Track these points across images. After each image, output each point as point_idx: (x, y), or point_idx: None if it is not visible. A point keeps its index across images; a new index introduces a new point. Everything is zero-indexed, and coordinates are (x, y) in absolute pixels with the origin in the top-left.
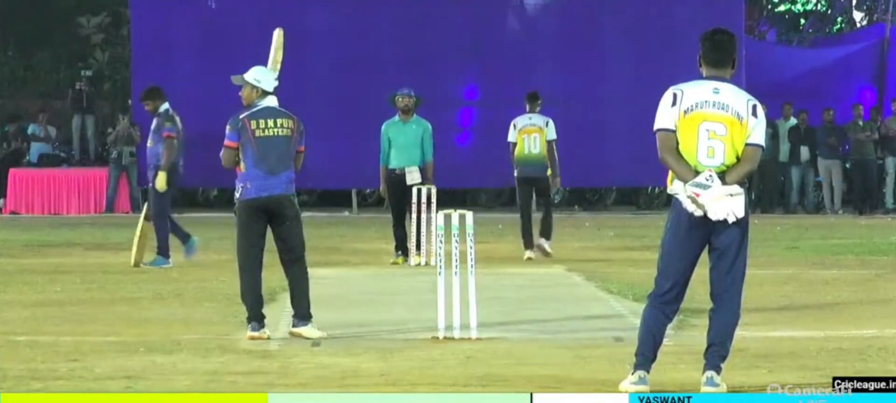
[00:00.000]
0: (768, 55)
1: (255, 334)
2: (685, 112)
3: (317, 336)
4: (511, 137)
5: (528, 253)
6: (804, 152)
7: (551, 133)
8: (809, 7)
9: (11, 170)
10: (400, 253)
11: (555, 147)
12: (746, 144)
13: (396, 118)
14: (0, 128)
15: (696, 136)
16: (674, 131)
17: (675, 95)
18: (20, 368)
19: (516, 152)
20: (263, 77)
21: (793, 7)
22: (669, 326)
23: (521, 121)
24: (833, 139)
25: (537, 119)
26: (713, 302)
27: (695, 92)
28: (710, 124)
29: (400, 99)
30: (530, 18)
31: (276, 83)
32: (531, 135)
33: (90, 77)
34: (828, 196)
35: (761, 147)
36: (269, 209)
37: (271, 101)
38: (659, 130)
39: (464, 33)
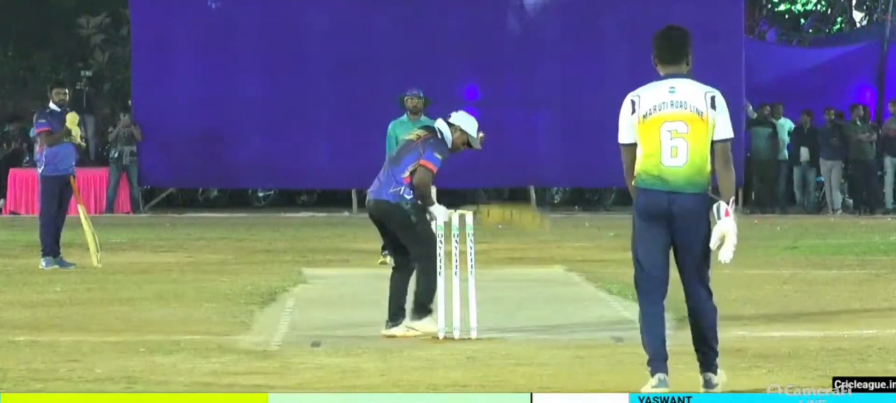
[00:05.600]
0: (768, 55)
1: (386, 332)
2: (644, 116)
3: (400, 334)
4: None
5: None
6: (804, 153)
7: None
8: (809, 7)
9: (11, 171)
10: (386, 252)
11: None
12: (714, 142)
13: (404, 118)
14: (0, 129)
15: (658, 139)
16: (631, 144)
17: (632, 102)
18: (20, 368)
19: None
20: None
21: (793, 7)
22: (668, 325)
23: None
24: (835, 139)
25: None
26: (687, 298)
27: (651, 95)
28: (671, 124)
29: (409, 99)
30: (530, 18)
31: (466, 129)
32: None
33: (90, 77)
34: (830, 196)
35: (729, 139)
36: (370, 212)
37: (438, 122)
38: (621, 145)
39: (464, 33)
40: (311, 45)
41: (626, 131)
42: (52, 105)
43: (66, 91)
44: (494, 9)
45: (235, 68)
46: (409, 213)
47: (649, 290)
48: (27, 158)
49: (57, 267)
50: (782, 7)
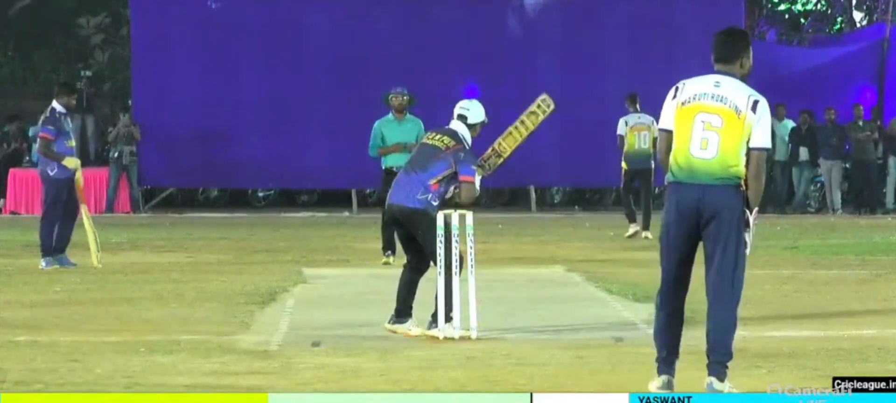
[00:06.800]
0: (768, 55)
1: (389, 326)
2: (683, 103)
3: (401, 331)
4: (620, 131)
5: (633, 228)
6: (802, 152)
7: (657, 130)
8: (809, 7)
9: (11, 170)
10: (388, 252)
11: None
12: (750, 148)
13: (390, 116)
14: (0, 129)
15: (690, 127)
16: (669, 131)
17: (676, 88)
18: (20, 368)
19: (627, 147)
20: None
21: (793, 7)
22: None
23: (631, 119)
24: (835, 139)
25: (645, 117)
26: (707, 302)
27: (696, 85)
28: (706, 115)
29: (393, 97)
30: (530, 18)
31: (477, 118)
32: (641, 132)
33: (90, 77)
34: (830, 196)
35: (765, 149)
36: (393, 217)
37: (455, 124)
38: (660, 129)
39: (464, 33)
40: (312, 44)
41: (666, 116)
42: (58, 106)
43: (76, 95)
44: (494, 8)
45: (235, 68)
46: (436, 219)
47: (669, 290)
48: (27, 158)
49: (57, 266)
50: (782, 7)
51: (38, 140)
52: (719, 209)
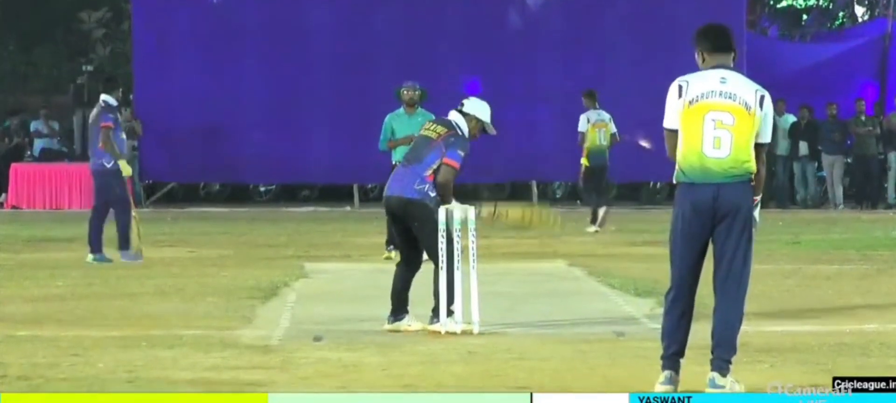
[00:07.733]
0: (770, 51)
1: (389, 326)
2: (690, 102)
3: (402, 328)
4: (582, 128)
5: (594, 228)
6: (802, 147)
7: (613, 126)
8: (811, 2)
9: (13, 165)
10: (390, 247)
11: (617, 137)
12: (757, 143)
13: (401, 110)
14: (1, 123)
15: (700, 127)
16: (675, 130)
17: (680, 87)
18: (22, 363)
19: (588, 143)
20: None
21: (794, 2)
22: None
23: (592, 116)
24: (837, 134)
25: (604, 114)
26: (715, 298)
27: (701, 82)
28: (717, 114)
29: (405, 92)
30: (532, 14)
31: (481, 117)
32: (601, 128)
33: (91, 72)
34: (831, 191)
35: (768, 143)
36: (390, 209)
37: (451, 114)
38: (665, 129)
39: (465, 28)
40: (313, 39)
41: (671, 116)
42: (111, 100)
43: (120, 89)
44: (496, 4)
45: (236, 63)
46: (434, 211)
47: (682, 289)
48: (28, 153)
49: (96, 261)
50: (784, 3)
51: (100, 130)
52: (736, 206)
